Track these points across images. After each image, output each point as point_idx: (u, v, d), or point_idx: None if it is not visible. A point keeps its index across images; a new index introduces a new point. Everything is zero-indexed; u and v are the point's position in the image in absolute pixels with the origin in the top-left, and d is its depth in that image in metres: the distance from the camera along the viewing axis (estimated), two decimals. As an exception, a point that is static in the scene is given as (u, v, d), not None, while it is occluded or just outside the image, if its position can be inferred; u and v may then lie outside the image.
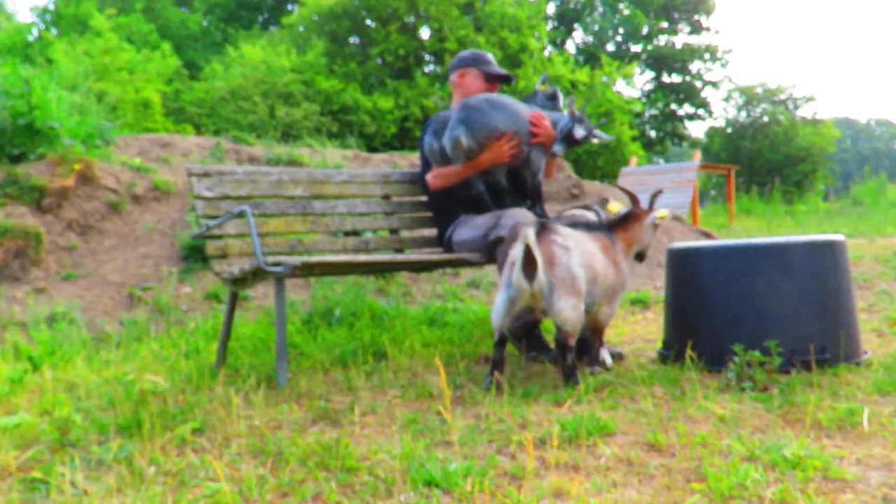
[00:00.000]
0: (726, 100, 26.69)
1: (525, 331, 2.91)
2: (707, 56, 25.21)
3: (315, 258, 2.50)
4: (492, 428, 1.91)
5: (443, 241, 3.19)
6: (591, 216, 3.04)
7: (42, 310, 3.79)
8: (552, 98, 3.11)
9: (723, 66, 25.73)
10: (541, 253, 2.25)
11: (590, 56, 24.24)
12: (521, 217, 2.83)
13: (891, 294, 4.27)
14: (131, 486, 1.57)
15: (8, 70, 4.90)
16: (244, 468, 1.67)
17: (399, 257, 2.90)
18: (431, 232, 3.30)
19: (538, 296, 2.26)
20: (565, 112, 3.03)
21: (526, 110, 2.99)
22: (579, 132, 2.96)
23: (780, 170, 23.13)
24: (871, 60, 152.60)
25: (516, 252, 2.27)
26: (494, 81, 3.20)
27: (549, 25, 24.36)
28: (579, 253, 2.37)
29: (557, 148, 2.98)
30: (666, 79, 25.66)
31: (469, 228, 3.01)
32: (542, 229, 2.35)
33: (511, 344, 3.03)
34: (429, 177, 3.10)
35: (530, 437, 1.70)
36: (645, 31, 25.14)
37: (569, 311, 2.26)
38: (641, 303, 4.51)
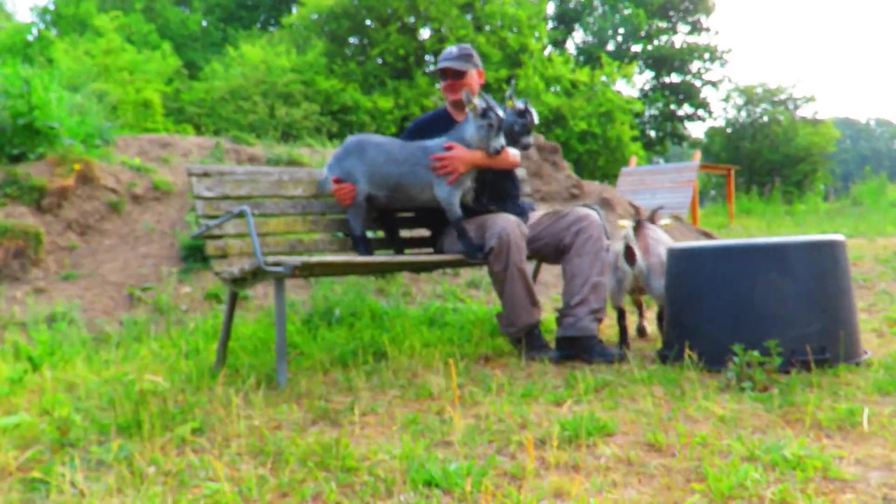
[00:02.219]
0: (726, 100, 26.66)
1: (525, 332, 2.92)
2: (707, 56, 25.20)
3: (315, 258, 2.50)
4: (492, 428, 1.91)
5: (436, 245, 3.21)
6: (592, 215, 3.04)
7: (42, 310, 3.79)
8: (522, 114, 2.99)
9: (722, 65, 25.71)
10: (638, 244, 2.94)
11: (590, 56, 24.24)
12: (504, 224, 2.83)
13: (891, 294, 4.27)
14: (131, 486, 1.57)
15: (8, 70, 4.90)
16: (244, 468, 1.67)
17: (399, 257, 2.90)
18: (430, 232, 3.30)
19: (639, 276, 2.92)
20: (508, 108, 2.99)
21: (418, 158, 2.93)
22: (527, 140, 2.99)
23: (780, 170, 23.11)
24: (871, 60, 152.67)
25: (618, 245, 2.96)
26: (444, 78, 3.15)
27: (549, 25, 24.35)
28: (665, 244, 2.99)
29: (500, 143, 2.85)
30: (666, 79, 25.65)
31: (456, 239, 3.02)
32: (638, 225, 3.04)
33: (511, 345, 3.04)
34: None
35: (530, 437, 1.70)
36: (645, 31, 25.13)
37: (662, 289, 2.86)
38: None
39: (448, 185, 2.86)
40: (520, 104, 3.01)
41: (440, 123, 3.12)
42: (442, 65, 3.12)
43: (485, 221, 2.91)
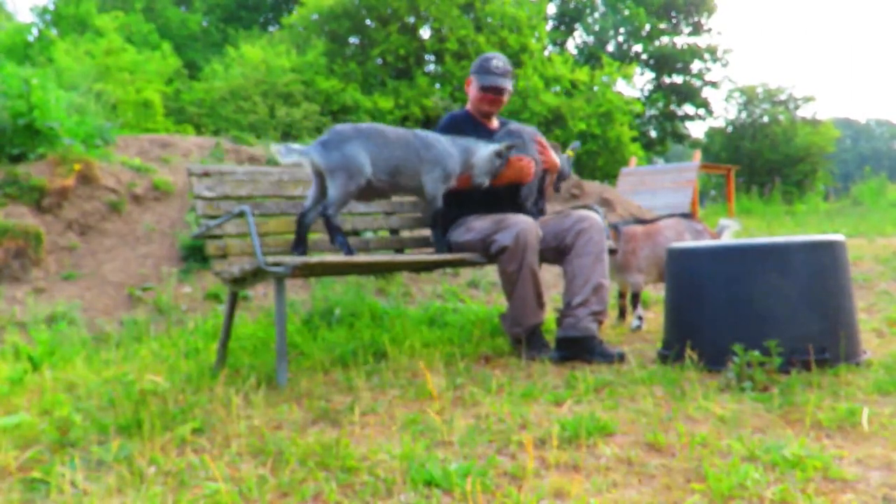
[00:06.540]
0: (727, 100, 26.65)
1: (526, 332, 2.92)
2: (707, 56, 25.19)
3: (315, 258, 2.50)
4: (492, 428, 1.91)
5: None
6: (593, 216, 3.05)
7: (42, 310, 3.79)
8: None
9: (723, 66, 25.66)
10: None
11: (590, 56, 24.23)
12: (523, 224, 2.83)
13: (891, 294, 4.27)
14: (131, 486, 1.57)
15: (8, 70, 4.90)
16: (244, 468, 1.67)
17: (399, 257, 2.89)
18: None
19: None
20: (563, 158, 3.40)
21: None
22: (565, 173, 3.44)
23: (780, 170, 23.11)
24: (871, 60, 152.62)
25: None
26: (487, 93, 3.18)
27: (550, 25, 24.34)
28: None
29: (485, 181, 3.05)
30: (666, 79, 25.64)
31: (465, 231, 3.02)
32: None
33: (511, 345, 3.03)
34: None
35: (530, 437, 1.70)
36: (646, 31, 25.12)
37: None
38: (641, 303, 4.49)
39: (435, 178, 2.89)
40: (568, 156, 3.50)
41: (467, 126, 3.19)
42: (492, 82, 3.16)
43: (502, 220, 2.91)
